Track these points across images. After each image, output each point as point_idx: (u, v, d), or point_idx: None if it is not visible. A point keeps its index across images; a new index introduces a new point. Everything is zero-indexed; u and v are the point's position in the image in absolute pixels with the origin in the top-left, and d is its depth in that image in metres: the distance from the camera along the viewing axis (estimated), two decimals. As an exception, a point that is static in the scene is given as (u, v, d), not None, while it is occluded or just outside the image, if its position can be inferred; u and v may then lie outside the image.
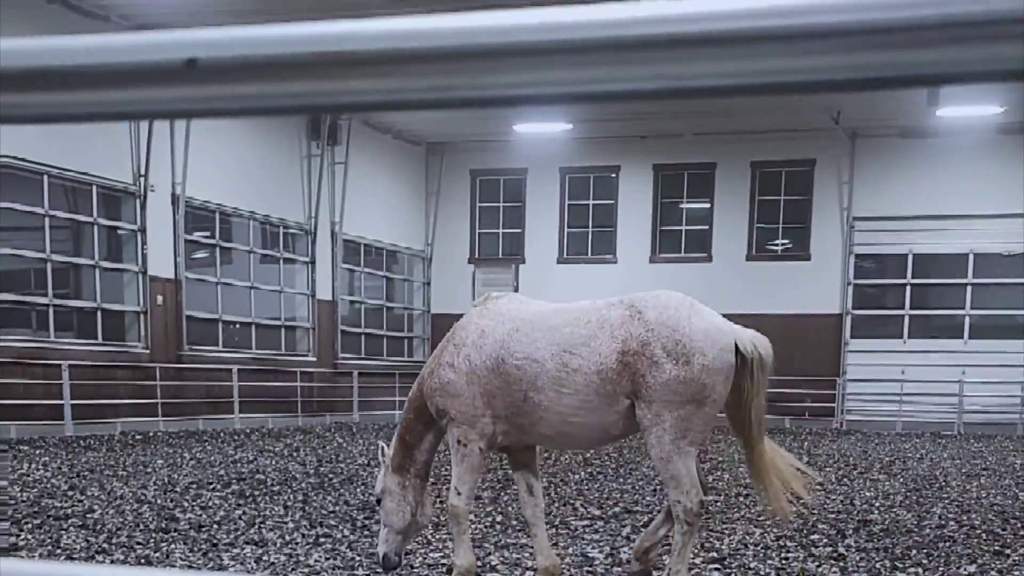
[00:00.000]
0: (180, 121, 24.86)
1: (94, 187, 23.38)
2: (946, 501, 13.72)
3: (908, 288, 31.93)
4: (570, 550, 9.43)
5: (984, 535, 10.79)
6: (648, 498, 13.31)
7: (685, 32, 1.07)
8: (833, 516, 12.05)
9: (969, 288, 31.35)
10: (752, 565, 8.91)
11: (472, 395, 7.14)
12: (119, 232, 24.58)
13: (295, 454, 19.06)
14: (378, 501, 7.67)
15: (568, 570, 8.56)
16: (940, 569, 8.92)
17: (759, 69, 1.08)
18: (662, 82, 1.09)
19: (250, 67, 1.14)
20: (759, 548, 9.74)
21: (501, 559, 8.89)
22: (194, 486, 13.72)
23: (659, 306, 6.92)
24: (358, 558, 8.93)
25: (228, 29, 1.14)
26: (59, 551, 8.98)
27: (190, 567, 8.41)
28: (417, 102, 1.16)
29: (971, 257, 31.22)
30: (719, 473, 16.87)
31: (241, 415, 26.66)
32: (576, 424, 7.03)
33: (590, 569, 8.74)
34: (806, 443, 24.59)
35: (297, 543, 9.69)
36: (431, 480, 8.01)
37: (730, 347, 6.92)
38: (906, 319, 31.90)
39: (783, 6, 1.05)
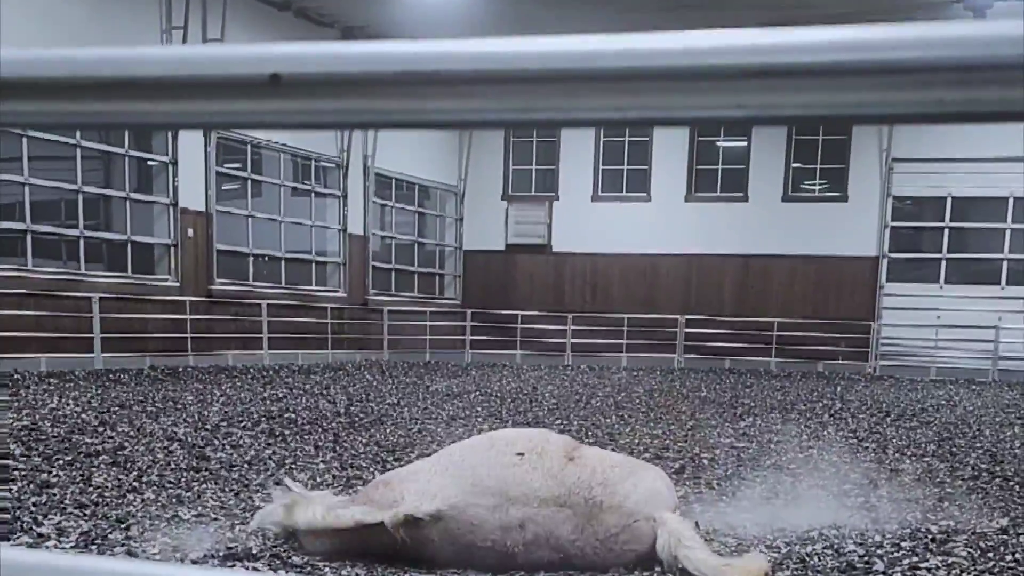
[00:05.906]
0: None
1: (126, 118, 23.26)
2: (979, 451, 13.63)
3: (946, 232, 31.57)
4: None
5: (1017, 487, 10.69)
6: (679, 443, 13.26)
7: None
8: (865, 466, 11.97)
9: (1008, 232, 30.95)
10: (782, 515, 8.83)
11: None
12: (150, 164, 24.54)
13: (325, 392, 19.11)
14: None
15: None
16: (972, 522, 8.82)
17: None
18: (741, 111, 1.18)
19: (330, 83, 1.19)
20: (789, 498, 9.66)
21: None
22: (224, 424, 13.75)
23: None
24: (390, 501, 8.89)
25: (310, 45, 1.21)
26: (91, 489, 8.97)
27: (221, 507, 8.39)
28: (495, 122, 1.18)
29: (1011, 201, 30.80)
30: (750, 419, 16.81)
31: (271, 351, 26.72)
32: None
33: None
34: (839, 388, 24.51)
35: (328, 484, 9.67)
36: None
37: None
38: (943, 263, 31.57)
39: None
